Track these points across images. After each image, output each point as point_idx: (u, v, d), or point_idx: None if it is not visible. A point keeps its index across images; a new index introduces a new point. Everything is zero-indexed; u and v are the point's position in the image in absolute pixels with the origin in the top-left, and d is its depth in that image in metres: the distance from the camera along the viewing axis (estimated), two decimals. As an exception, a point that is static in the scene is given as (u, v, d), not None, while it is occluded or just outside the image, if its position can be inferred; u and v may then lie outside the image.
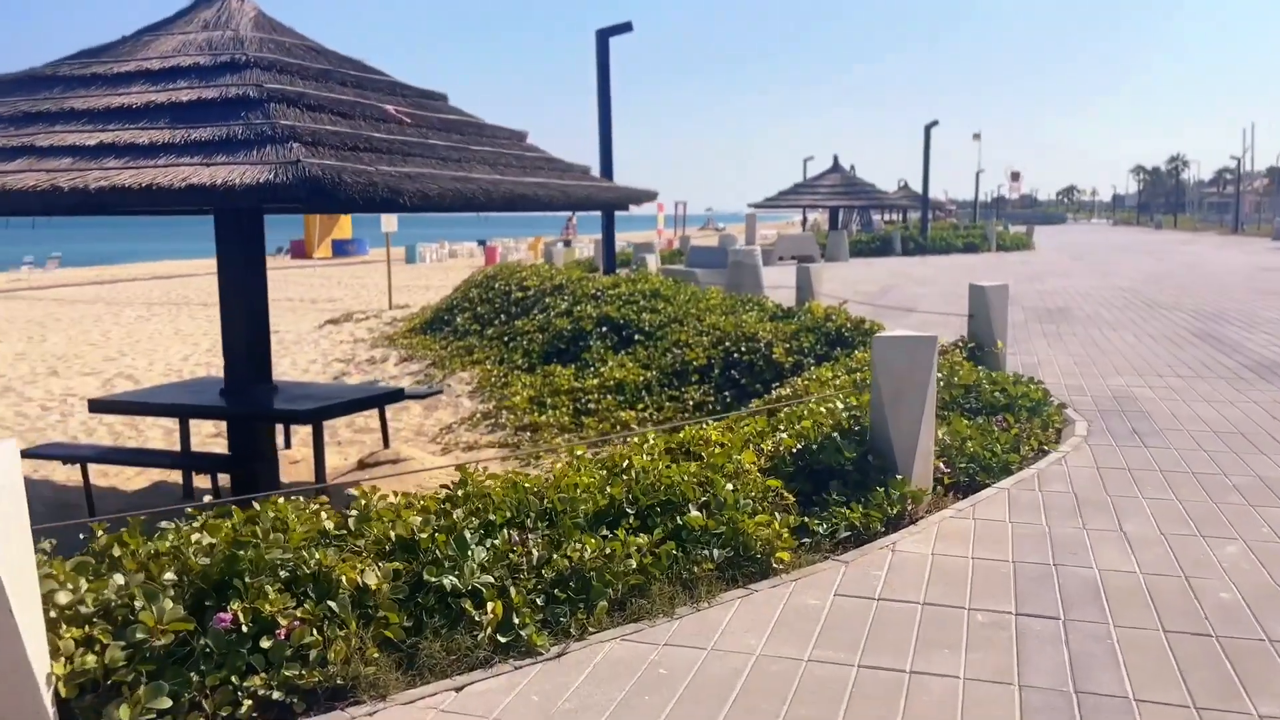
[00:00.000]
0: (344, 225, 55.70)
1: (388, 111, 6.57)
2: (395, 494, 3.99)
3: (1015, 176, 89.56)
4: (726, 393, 9.39)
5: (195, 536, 3.14)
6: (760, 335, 9.79)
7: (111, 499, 8.09)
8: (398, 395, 8.11)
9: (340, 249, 53.77)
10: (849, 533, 4.30)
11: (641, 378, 10.06)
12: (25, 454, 7.32)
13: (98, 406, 7.56)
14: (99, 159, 5.35)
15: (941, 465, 5.05)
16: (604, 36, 13.89)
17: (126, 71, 6.30)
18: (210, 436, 10.09)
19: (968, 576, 3.91)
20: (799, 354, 9.36)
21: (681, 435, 5.22)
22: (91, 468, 7.65)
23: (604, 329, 11.61)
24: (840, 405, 5.20)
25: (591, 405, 9.77)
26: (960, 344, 7.88)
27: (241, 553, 3.01)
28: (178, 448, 8.30)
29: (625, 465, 4.45)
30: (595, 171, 13.90)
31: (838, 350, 9.21)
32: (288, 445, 8.98)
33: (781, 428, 5.52)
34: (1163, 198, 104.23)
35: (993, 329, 7.60)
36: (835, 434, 4.79)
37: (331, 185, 4.83)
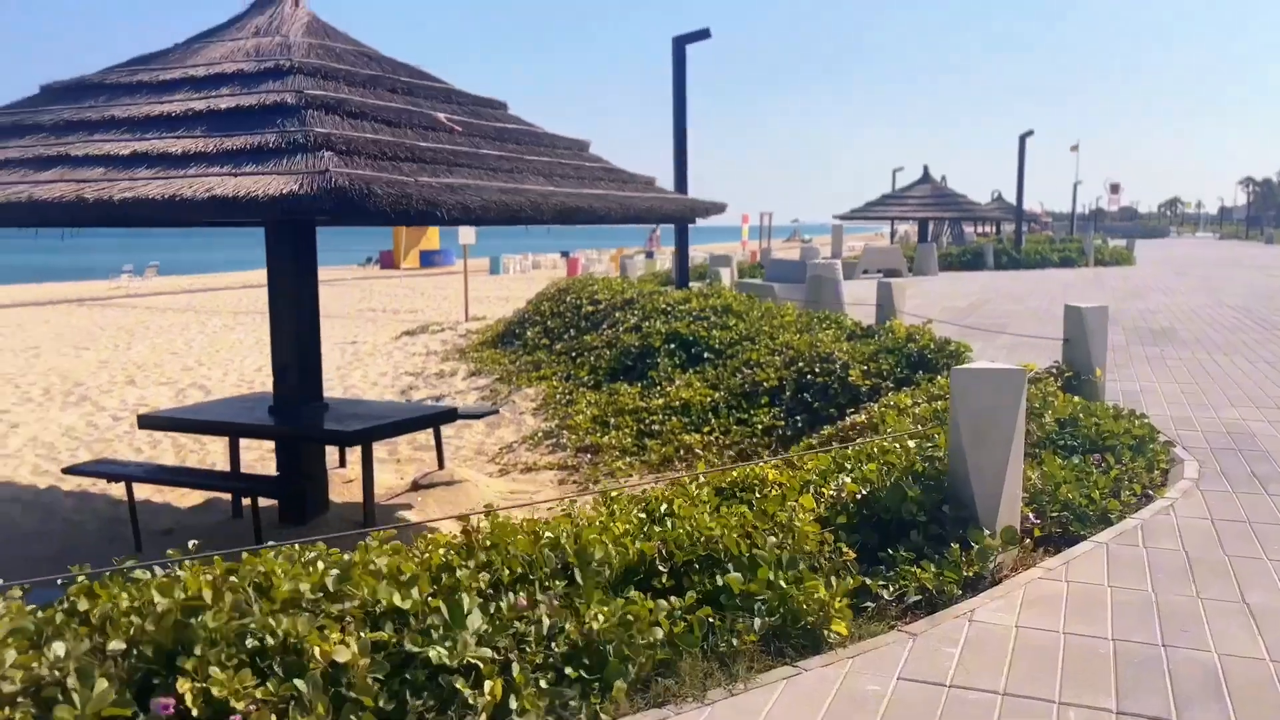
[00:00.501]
0: (431, 236, 56.39)
1: (438, 120, 6.23)
2: (390, 548, 3.55)
3: (1115, 188, 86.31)
4: (798, 417, 8.84)
5: (155, 595, 2.76)
6: (836, 356, 9.22)
7: (163, 515, 7.91)
8: (451, 415, 7.77)
9: (427, 259, 54.43)
10: (919, 596, 3.75)
11: (709, 398, 9.56)
12: (71, 470, 7.17)
13: (147, 422, 7.38)
14: (130, 169, 5.10)
15: (1030, 515, 4.46)
16: (680, 44, 13.45)
17: (172, 79, 6.08)
18: (270, 452, 9.92)
19: (1058, 658, 3.33)
20: (877, 377, 8.76)
21: (735, 474, 4.72)
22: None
23: (672, 346, 11.15)
24: (913, 444, 4.63)
25: (655, 427, 9.31)
26: (1054, 371, 7.21)
27: (194, 620, 2.63)
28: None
29: (664, 511, 3.98)
30: (668, 182, 13.47)
31: (919, 374, 8.59)
32: (342, 463, 8.72)
33: (849, 465, 4.99)
34: (1274, 211, 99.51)
35: (1090, 355, 6.92)
36: (906, 478, 4.24)
37: (360, 196, 4.47)
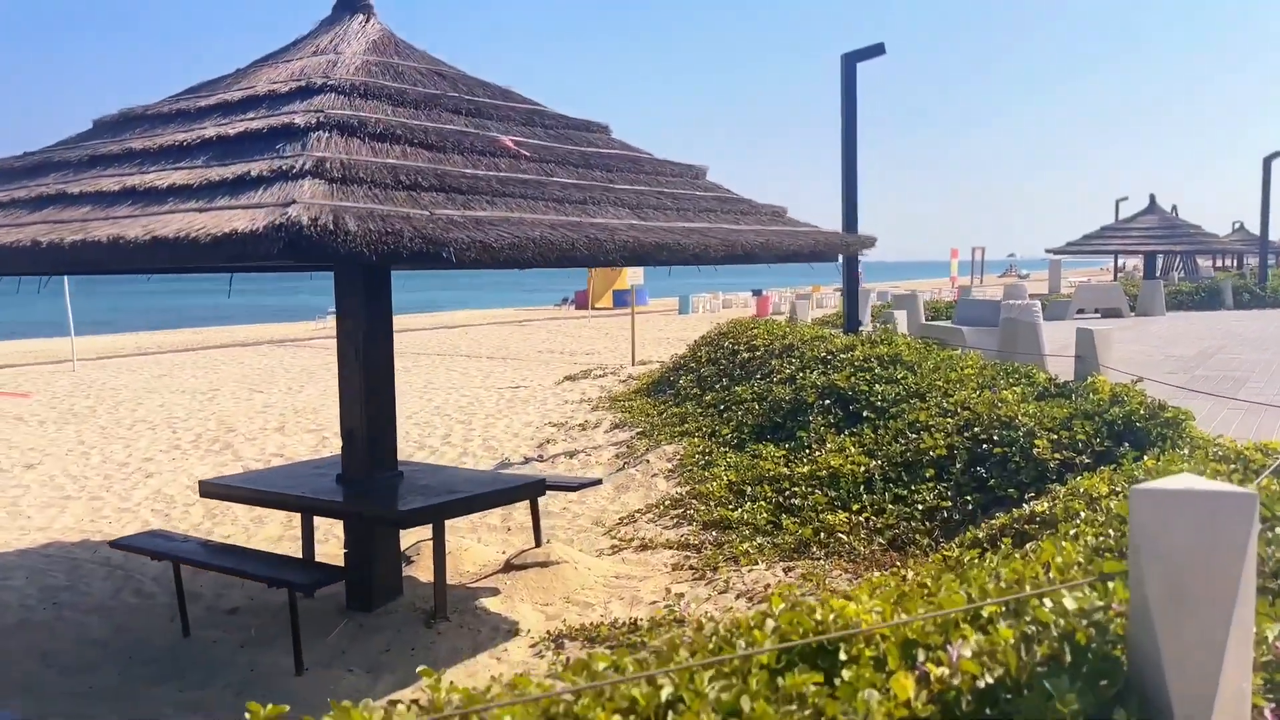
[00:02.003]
0: (625, 277, 56.42)
1: (500, 143, 5.22)
2: None
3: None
4: (969, 496, 7.24)
5: None
6: (1019, 421, 7.56)
7: (234, 591, 7.18)
8: (538, 488, 6.68)
9: (621, 299, 54.51)
10: None
11: (863, 467, 8.09)
12: (115, 544, 6.55)
13: (209, 490, 6.70)
14: (111, 207, 4.34)
15: (1271, 715, 2.87)
16: (851, 61, 12.07)
17: (207, 105, 5.37)
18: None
19: None
20: (1069, 449, 7.06)
21: (819, 614, 3.35)
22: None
23: (828, 401, 9.70)
24: (1071, 602, 3.06)
25: (796, 501, 7.93)
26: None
27: None
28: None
29: (663, 702, 2.69)
30: (837, 216, 12.06)
31: (1124, 447, 6.84)
32: (434, 534, 7.80)
33: (990, 598, 3.51)
34: None
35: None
36: (1060, 655, 2.76)
37: (324, 235, 3.48)
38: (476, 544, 7.95)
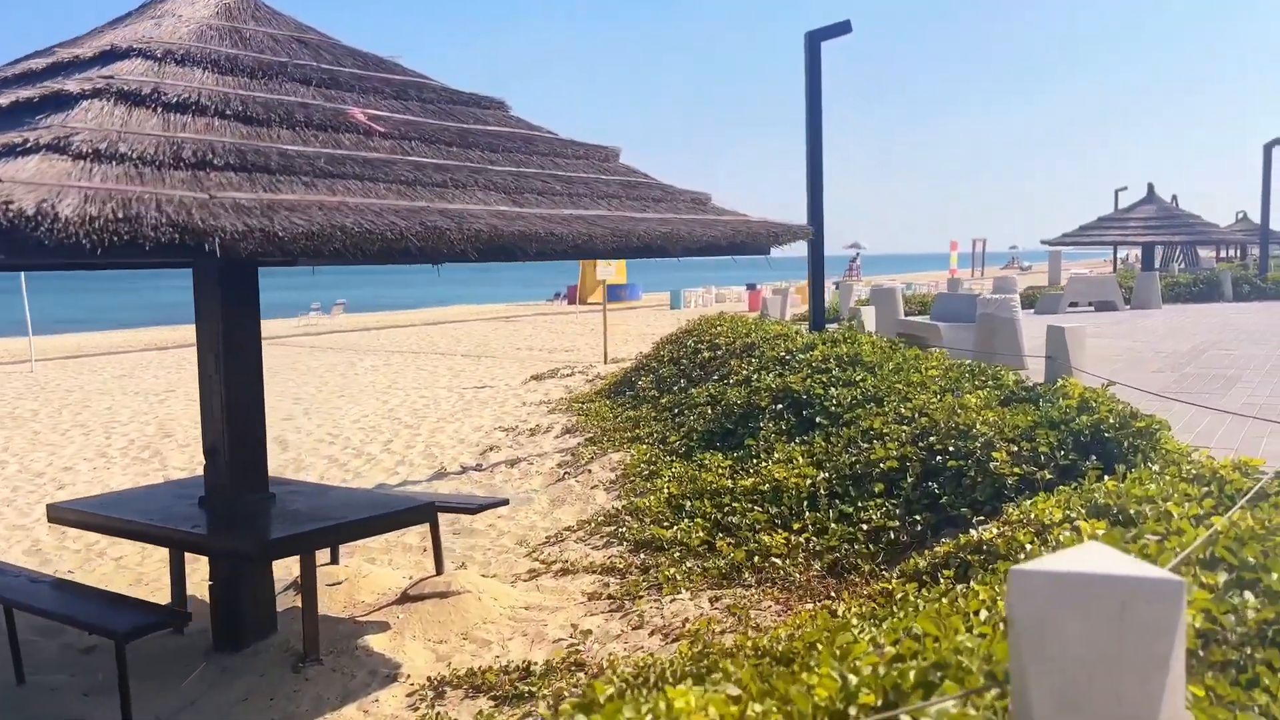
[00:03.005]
0: (620, 270, 55.65)
1: (351, 116, 4.47)
2: None
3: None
4: (919, 515, 6.50)
5: None
6: (977, 430, 6.81)
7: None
8: (425, 512, 5.92)
9: (613, 294, 53.67)
10: None
11: (809, 480, 7.35)
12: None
13: (57, 516, 5.97)
14: None
15: None
16: (815, 40, 11.30)
17: (14, 74, 4.62)
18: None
19: None
20: (1031, 463, 6.31)
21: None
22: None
23: (780, 406, 8.96)
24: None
25: (734, 519, 7.19)
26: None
27: None
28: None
29: None
30: (801, 205, 11.31)
31: (1091, 460, 6.10)
32: (333, 559, 7.07)
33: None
34: None
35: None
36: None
37: (16, 223, 2.74)
38: (383, 568, 7.23)
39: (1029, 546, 4.49)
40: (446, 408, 14.34)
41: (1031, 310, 22.53)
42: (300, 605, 6.42)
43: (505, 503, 6.73)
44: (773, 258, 6.56)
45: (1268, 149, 25.04)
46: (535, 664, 5.35)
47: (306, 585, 5.39)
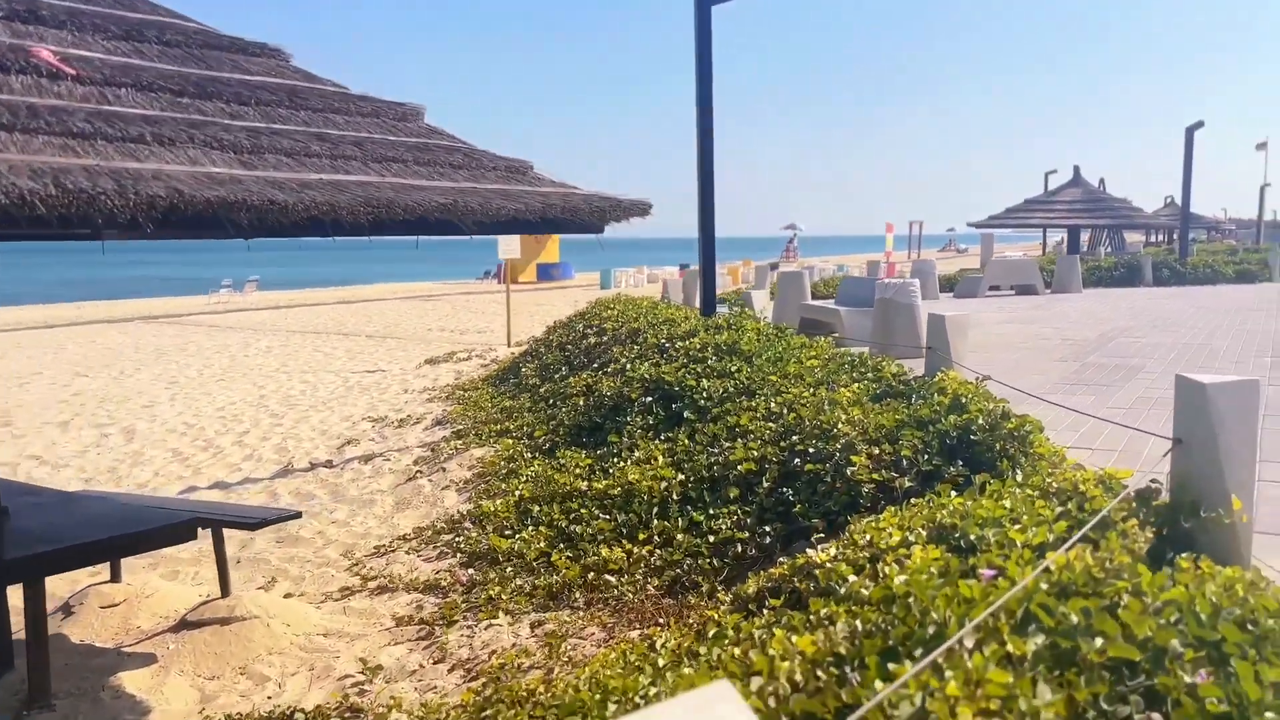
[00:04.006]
0: (551, 249, 55.08)
1: (36, 55, 3.62)
2: None
3: (1312, 191, 77.05)
4: (770, 526, 5.83)
5: None
6: (839, 430, 6.15)
7: None
8: (183, 531, 5.07)
9: (545, 273, 52.92)
10: None
11: (664, 483, 6.65)
12: None
13: None
14: None
15: None
16: (705, 6, 10.55)
17: None
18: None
19: None
20: (891, 468, 5.67)
21: None
22: None
23: (650, 398, 8.26)
24: None
25: (578, 528, 6.47)
26: (1147, 494, 3.99)
27: None
28: None
29: None
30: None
31: (957, 465, 5.47)
32: (114, 577, 6.22)
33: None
34: None
35: (1222, 471, 3.71)
36: None
37: None
38: (179, 585, 6.39)
39: (851, 578, 3.82)
40: (324, 394, 13.45)
41: (951, 293, 22.16)
42: (71, 630, 5.59)
43: (296, 515, 5.91)
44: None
45: (1189, 132, 24.90)
46: (303, 710, 4.58)
47: (31, 618, 4.55)
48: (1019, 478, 4.89)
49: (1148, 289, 23.07)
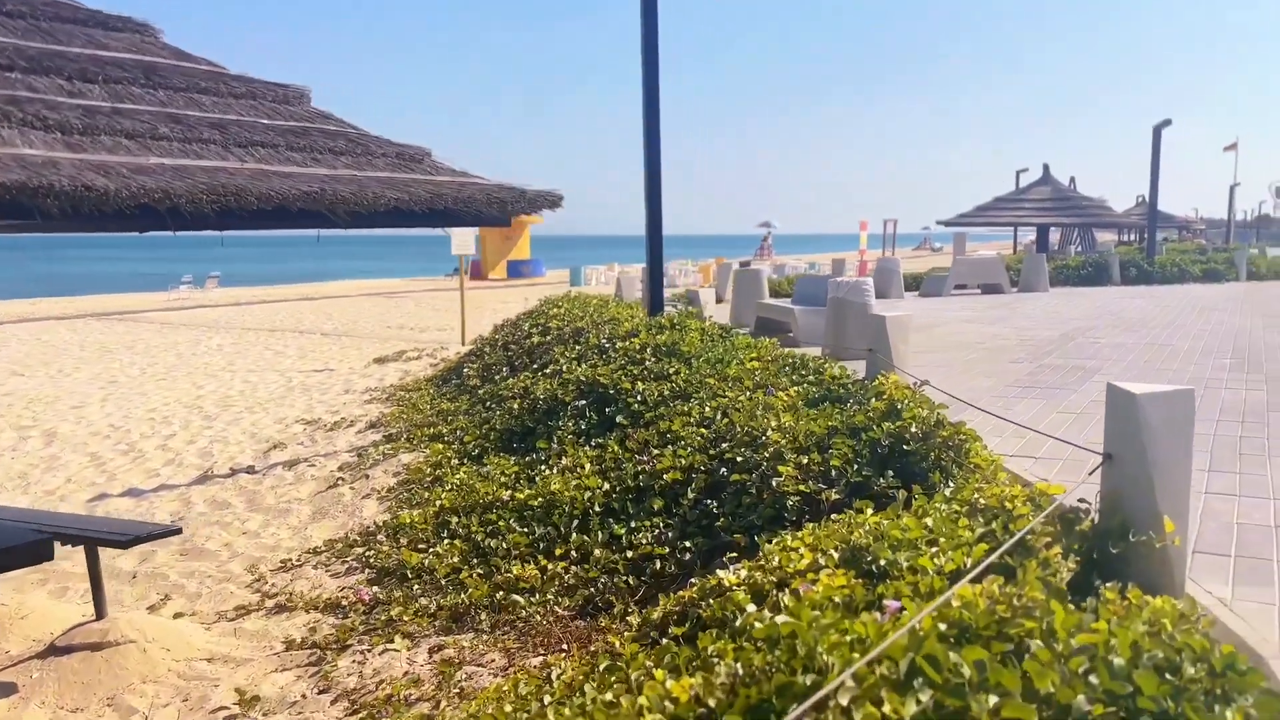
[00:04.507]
0: (522, 246, 54.65)
1: None
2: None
3: (1281, 192, 77.57)
4: (691, 541, 5.46)
5: None
6: (768, 438, 5.79)
7: None
8: (35, 551, 4.63)
9: (515, 270, 52.47)
10: None
11: (588, 493, 6.27)
12: None
13: None
14: None
15: None
16: (652, -9, 10.16)
17: None
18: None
19: None
20: (820, 479, 5.32)
21: None
22: None
23: (584, 402, 7.87)
24: None
25: (492, 543, 6.08)
26: (1073, 522, 3.64)
27: None
28: None
29: None
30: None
31: (887, 478, 5.12)
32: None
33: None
34: None
35: (1154, 490, 3.37)
36: None
37: None
38: (60, 604, 5.96)
39: (749, 608, 3.46)
40: (263, 394, 12.99)
41: (916, 292, 21.88)
42: (-86, 661, 5.15)
43: (175, 531, 5.48)
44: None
45: (1157, 131, 24.75)
46: (163, 748, 4.18)
47: None
48: (948, 491, 4.55)
49: (1115, 288, 22.89)
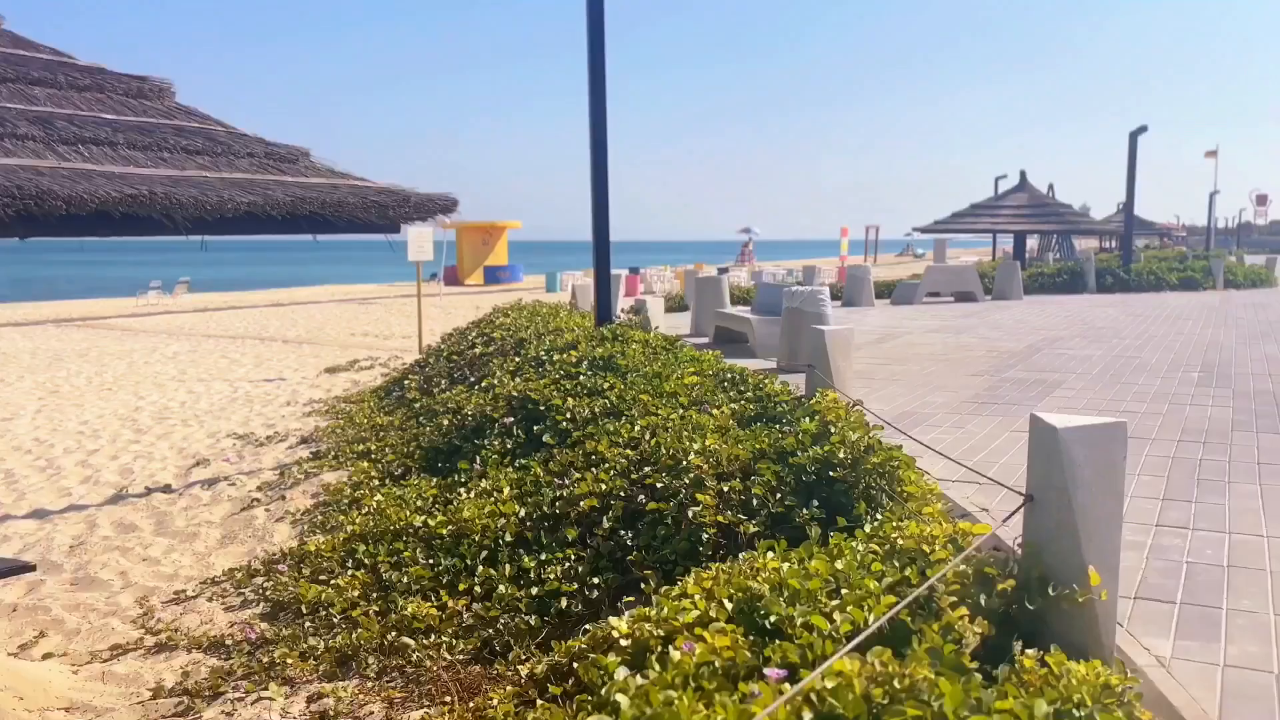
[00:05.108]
0: (500, 251, 54.23)
1: None
2: None
3: (1262, 200, 77.75)
4: (600, 577, 5.03)
5: None
6: (690, 462, 5.36)
7: None
8: None
9: (492, 276, 52.06)
10: None
11: (501, 521, 5.82)
12: None
13: None
14: None
15: None
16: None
17: None
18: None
19: None
20: (740, 509, 4.90)
21: None
22: None
23: (512, 419, 7.43)
24: None
25: (395, 575, 5.62)
26: (986, 579, 3.21)
27: None
28: None
29: None
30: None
31: (812, 509, 4.70)
32: None
33: None
34: None
35: (1078, 537, 2.96)
36: None
37: None
38: (-77, 642, 5.46)
39: (619, 673, 3.02)
40: (205, 406, 12.49)
41: (888, 299, 21.51)
42: None
43: (29, 568, 5.01)
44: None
45: (1133, 137, 24.48)
46: (-19, 820, 3.71)
47: None
48: (869, 528, 4.13)
49: (1090, 296, 22.60)
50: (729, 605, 3.39)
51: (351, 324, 26.40)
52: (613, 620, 3.91)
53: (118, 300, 36.53)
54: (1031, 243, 46.69)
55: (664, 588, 3.89)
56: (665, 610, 3.49)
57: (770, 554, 3.81)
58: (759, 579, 3.53)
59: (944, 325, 15.42)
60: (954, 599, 2.97)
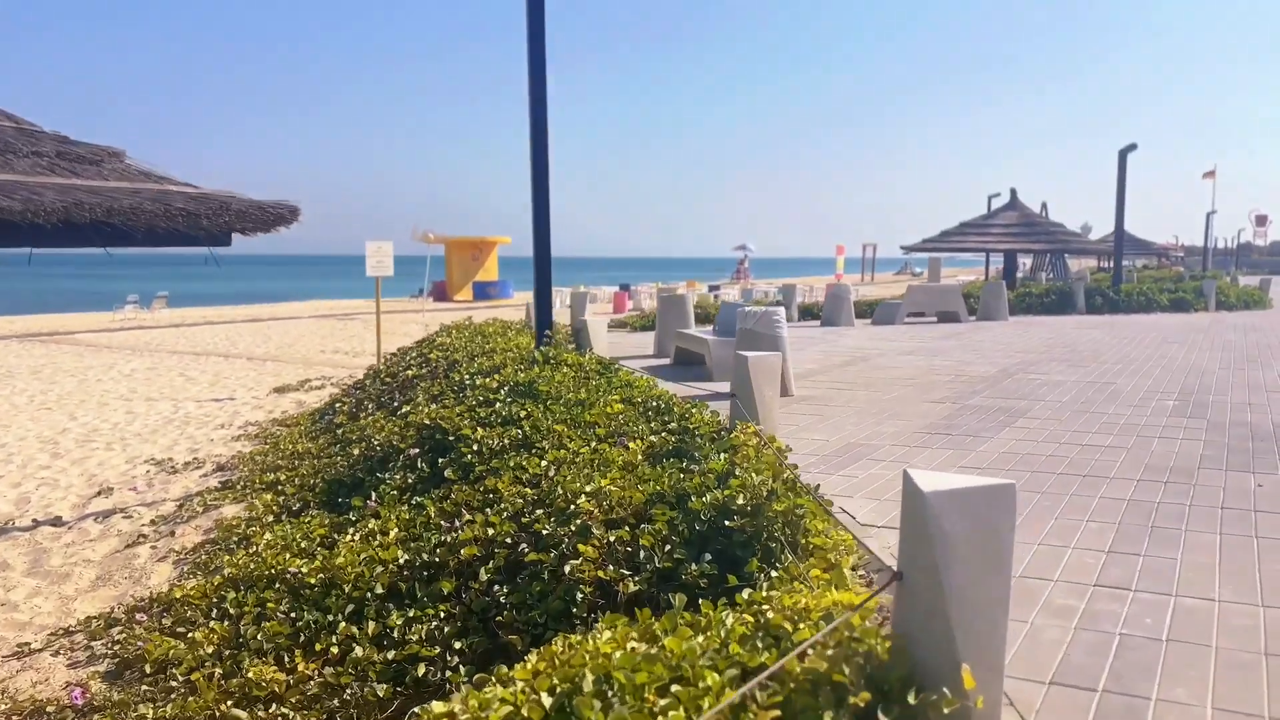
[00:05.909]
0: (490, 267, 53.70)
1: None
2: None
3: (1261, 220, 77.27)
4: (465, 640, 4.42)
5: None
6: (580, 507, 4.76)
7: None
8: None
9: (481, 292, 51.57)
10: None
11: (377, 569, 5.21)
12: None
13: None
14: None
15: None
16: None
17: None
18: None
19: None
20: (627, 562, 4.29)
21: None
22: None
23: (418, 450, 6.83)
24: None
25: (254, 630, 5.01)
26: (832, 689, 2.60)
27: None
28: None
29: None
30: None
31: (702, 565, 4.10)
32: None
33: None
34: None
35: (950, 627, 2.36)
36: None
37: None
38: None
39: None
40: (138, 427, 11.89)
41: (869, 319, 20.91)
42: None
43: None
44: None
45: (1123, 155, 23.95)
46: None
47: None
48: (746, 594, 3.53)
49: (1078, 317, 22.00)
50: (548, 701, 2.79)
51: (324, 341, 25.84)
52: (434, 705, 3.30)
53: (93, 315, 35.98)
54: (1026, 262, 46.17)
55: (478, 675, 3.27)
56: (473, 704, 2.89)
57: (609, 632, 3.20)
58: (594, 664, 2.93)
59: (919, 347, 14.82)
60: (810, 687, 2.37)
